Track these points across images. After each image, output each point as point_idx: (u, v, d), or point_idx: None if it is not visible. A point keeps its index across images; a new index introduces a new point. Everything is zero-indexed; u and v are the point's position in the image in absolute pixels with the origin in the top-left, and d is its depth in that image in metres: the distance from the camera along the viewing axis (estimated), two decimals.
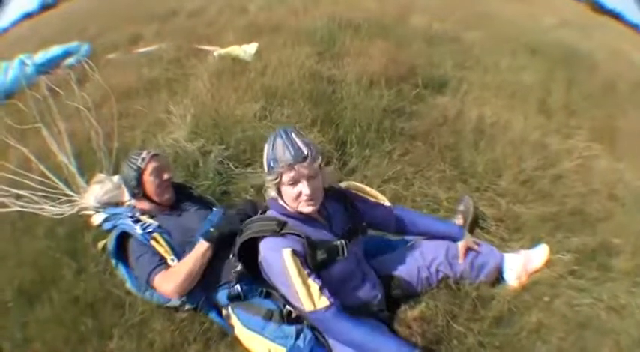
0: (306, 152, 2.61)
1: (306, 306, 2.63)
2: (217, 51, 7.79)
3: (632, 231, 3.90)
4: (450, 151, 5.00)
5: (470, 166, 4.75)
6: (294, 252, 2.66)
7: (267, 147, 2.71)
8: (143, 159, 3.43)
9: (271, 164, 2.68)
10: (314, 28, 8.33)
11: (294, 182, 2.66)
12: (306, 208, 2.74)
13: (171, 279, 3.09)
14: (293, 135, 2.66)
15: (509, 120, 5.62)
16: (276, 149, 2.64)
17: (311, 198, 2.70)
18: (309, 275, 2.67)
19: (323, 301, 2.63)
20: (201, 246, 3.15)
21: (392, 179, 4.64)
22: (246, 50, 7.42)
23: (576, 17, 12.38)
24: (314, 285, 2.64)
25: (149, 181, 3.45)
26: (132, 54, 9.07)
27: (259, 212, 3.07)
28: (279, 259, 2.65)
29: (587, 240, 3.82)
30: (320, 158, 2.71)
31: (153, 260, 3.21)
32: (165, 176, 3.50)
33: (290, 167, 2.60)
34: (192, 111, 5.55)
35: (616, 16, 11.97)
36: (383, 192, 4.06)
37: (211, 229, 3.19)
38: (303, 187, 2.65)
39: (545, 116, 6.09)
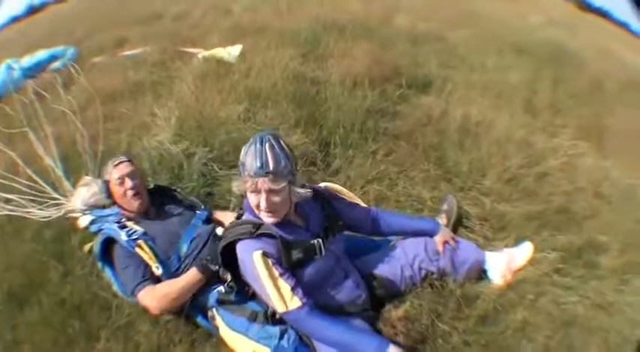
0: (272, 168, 2.59)
1: (279, 307, 2.68)
2: (202, 53, 7.80)
3: (619, 229, 3.91)
4: (434, 151, 5.01)
5: (454, 166, 4.77)
6: (265, 254, 2.69)
7: (243, 150, 2.71)
8: (107, 171, 3.58)
9: (240, 168, 2.70)
10: (298, 29, 8.34)
11: (254, 192, 2.67)
12: (266, 219, 2.77)
13: (157, 298, 3.13)
14: (267, 146, 2.63)
15: (495, 119, 5.63)
16: (247, 156, 2.63)
17: (269, 211, 2.72)
18: (281, 275, 2.70)
19: (295, 302, 2.66)
20: (196, 276, 3.19)
21: (375, 179, 4.65)
22: (231, 52, 7.42)
23: (563, 16, 12.35)
24: (285, 286, 2.67)
25: (114, 191, 3.54)
26: (117, 57, 9.07)
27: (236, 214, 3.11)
28: (251, 262, 2.67)
29: (573, 238, 3.83)
30: (290, 176, 2.70)
31: (137, 274, 3.24)
32: (129, 184, 3.53)
33: (252, 178, 2.61)
34: (176, 113, 5.56)
35: (604, 14, 11.97)
36: (367, 193, 4.28)
37: (210, 265, 3.20)
38: (261, 200, 2.66)
39: (531, 115, 6.10)
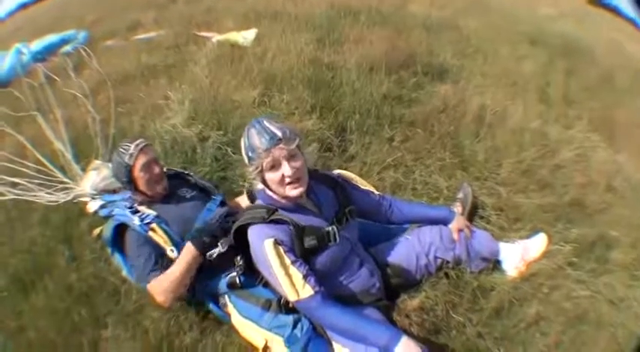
0: (280, 134, 2.64)
1: (291, 296, 2.68)
2: (216, 37, 7.80)
3: (630, 224, 3.90)
4: (450, 139, 4.99)
5: (470, 154, 4.76)
6: (277, 242, 2.69)
7: (243, 141, 2.75)
8: (131, 156, 3.34)
9: (250, 154, 2.71)
10: (313, 14, 8.33)
11: (275, 165, 2.67)
12: (293, 191, 2.74)
13: (161, 291, 3.06)
14: (265, 122, 2.71)
15: (510, 108, 5.62)
16: (252, 139, 2.69)
17: (295, 180, 2.71)
18: (293, 263, 2.69)
19: (307, 290, 2.65)
20: (191, 253, 3.13)
21: (392, 166, 4.64)
22: (245, 36, 7.44)
23: (574, 9, 12.39)
24: (297, 274, 2.66)
25: (140, 177, 3.36)
26: (130, 40, 9.09)
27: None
28: (263, 249, 2.67)
29: (585, 232, 3.81)
30: (298, 139, 2.73)
31: (147, 265, 3.16)
32: (156, 170, 3.41)
33: (267, 152, 2.62)
34: (190, 97, 5.55)
35: (613, 9, 11.97)
36: (383, 180, 4.30)
37: (204, 237, 3.17)
38: (284, 168, 2.66)
39: (545, 105, 6.07)
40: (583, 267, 3.51)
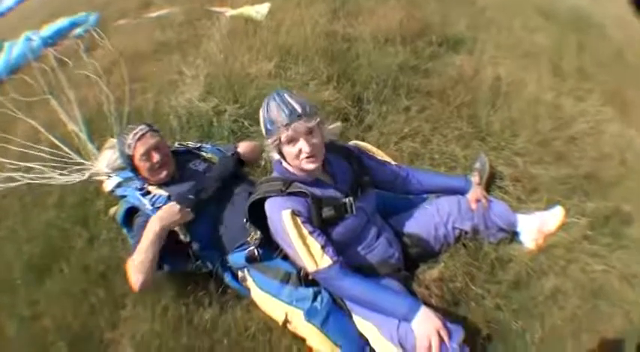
0: (300, 110, 2.62)
1: (309, 266, 2.68)
2: (229, 12, 7.77)
3: None
4: (466, 109, 5.01)
5: (486, 124, 4.77)
6: (295, 213, 2.70)
7: (262, 112, 2.72)
8: (129, 146, 3.31)
9: (268, 126, 2.69)
10: None
11: (293, 140, 2.66)
12: (308, 165, 2.73)
13: (131, 274, 2.97)
14: (286, 95, 2.68)
15: (524, 79, 5.59)
16: (271, 111, 2.66)
17: (311, 155, 2.70)
18: (311, 234, 2.69)
19: (325, 260, 2.66)
20: (150, 227, 3.04)
21: (409, 136, 4.66)
22: (259, 10, 7.41)
23: None
24: (315, 245, 2.67)
25: (140, 166, 3.33)
26: (142, 18, 9.11)
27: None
28: (280, 221, 2.69)
29: (600, 205, 3.80)
30: (317, 114, 2.72)
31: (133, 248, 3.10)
32: (156, 157, 3.33)
33: (287, 126, 2.61)
34: (204, 71, 5.56)
35: None
36: (400, 149, 4.31)
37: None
38: (302, 144, 2.65)
39: (559, 78, 6.01)
40: (598, 241, 3.51)
